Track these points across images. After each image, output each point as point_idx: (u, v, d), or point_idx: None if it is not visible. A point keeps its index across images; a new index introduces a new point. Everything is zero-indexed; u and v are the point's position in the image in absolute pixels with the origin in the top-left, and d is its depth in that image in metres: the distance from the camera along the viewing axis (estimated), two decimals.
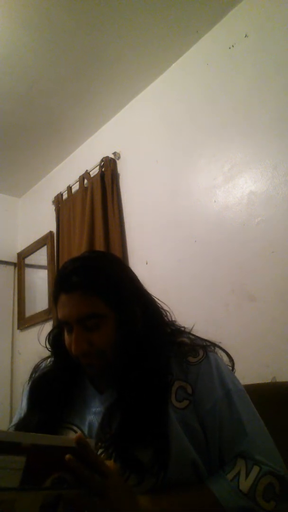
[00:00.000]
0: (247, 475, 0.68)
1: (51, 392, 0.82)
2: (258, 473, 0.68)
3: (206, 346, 0.83)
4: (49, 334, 0.90)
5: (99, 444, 0.70)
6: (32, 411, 0.82)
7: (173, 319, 0.90)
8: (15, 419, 0.87)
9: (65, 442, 0.50)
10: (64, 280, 0.78)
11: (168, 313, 0.89)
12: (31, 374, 0.90)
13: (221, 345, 0.87)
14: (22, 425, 0.81)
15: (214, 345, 0.85)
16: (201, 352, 0.81)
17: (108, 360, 0.77)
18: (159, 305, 0.88)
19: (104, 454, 0.69)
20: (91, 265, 0.81)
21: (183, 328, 0.88)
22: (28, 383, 0.89)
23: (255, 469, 0.68)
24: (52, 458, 0.48)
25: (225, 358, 0.86)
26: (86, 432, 0.76)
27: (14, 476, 0.45)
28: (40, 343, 0.90)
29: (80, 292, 0.76)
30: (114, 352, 0.76)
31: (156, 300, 0.88)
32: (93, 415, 0.78)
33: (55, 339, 0.88)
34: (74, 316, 0.76)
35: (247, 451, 0.71)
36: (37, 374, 0.89)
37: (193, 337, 0.86)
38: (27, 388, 0.89)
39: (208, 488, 0.67)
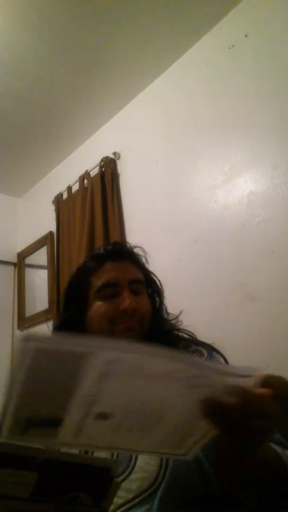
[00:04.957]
0: None
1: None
2: None
3: (209, 346, 0.85)
4: (57, 323, 0.92)
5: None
6: None
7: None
8: None
9: (82, 459, 0.47)
10: (113, 250, 0.88)
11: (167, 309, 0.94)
12: None
13: (218, 345, 0.88)
14: None
15: (211, 347, 0.87)
16: (205, 353, 0.83)
17: (144, 328, 0.82)
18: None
19: None
20: (134, 247, 0.96)
21: (179, 323, 0.92)
22: None
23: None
24: (68, 476, 0.45)
25: (221, 359, 0.87)
26: None
27: (25, 489, 0.43)
28: (48, 328, 0.93)
29: (129, 261, 0.87)
30: (148, 322, 0.83)
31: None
32: None
33: (63, 327, 0.88)
34: (126, 277, 0.83)
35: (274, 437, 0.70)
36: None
37: (189, 337, 0.89)
38: None
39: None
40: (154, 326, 0.85)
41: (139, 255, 0.93)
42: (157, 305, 0.90)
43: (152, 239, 1.98)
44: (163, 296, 0.93)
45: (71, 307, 0.87)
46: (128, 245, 0.96)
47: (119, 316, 0.80)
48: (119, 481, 0.47)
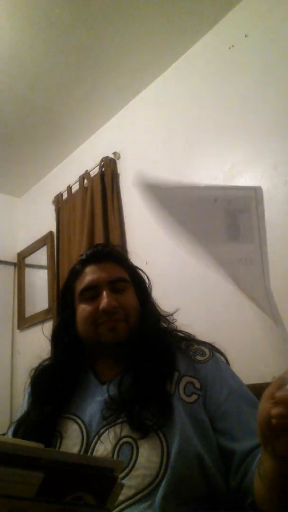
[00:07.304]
0: None
1: (52, 384, 0.83)
2: None
3: (211, 345, 0.86)
4: (54, 328, 0.93)
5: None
6: (34, 404, 0.83)
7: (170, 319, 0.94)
8: (18, 416, 0.87)
9: (86, 460, 0.48)
10: (95, 253, 0.90)
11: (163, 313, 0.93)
12: (31, 374, 0.90)
13: (218, 345, 0.88)
14: (24, 419, 0.81)
15: (212, 346, 0.87)
16: (207, 352, 0.84)
17: (130, 325, 0.82)
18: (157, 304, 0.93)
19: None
20: (115, 247, 0.97)
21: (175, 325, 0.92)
22: (30, 381, 0.89)
23: None
24: (72, 477, 0.46)
25: (222, 359, 0.87)
26: (87, 422, 0.77)
27: (30, 489, 0.44)
28: (43, 333, 0.94)
29: (111, 261, 0.88)
30: (136, 318, 0.83)
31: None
32: (94, 405, 0.78)
33: (59, 331, 0.90)
34: (106, 278, 0.85)
35: None
36: (38, 368, 0.90)
37: (188, 336, 0.89)
38: (29, 384, 0.90)
39: None
40: (144, 322, 0.85)
41: (123, 253, 0.95)
42: (145, 301, 0.89)
43: (152, 239, 1.98)
44: (151, 290, 0.94)
45: (63, 312, 0.90)
46: (110, 245, 0.98)
47: (101, 317, 0.81)
48: (122, 482, 0.48)
